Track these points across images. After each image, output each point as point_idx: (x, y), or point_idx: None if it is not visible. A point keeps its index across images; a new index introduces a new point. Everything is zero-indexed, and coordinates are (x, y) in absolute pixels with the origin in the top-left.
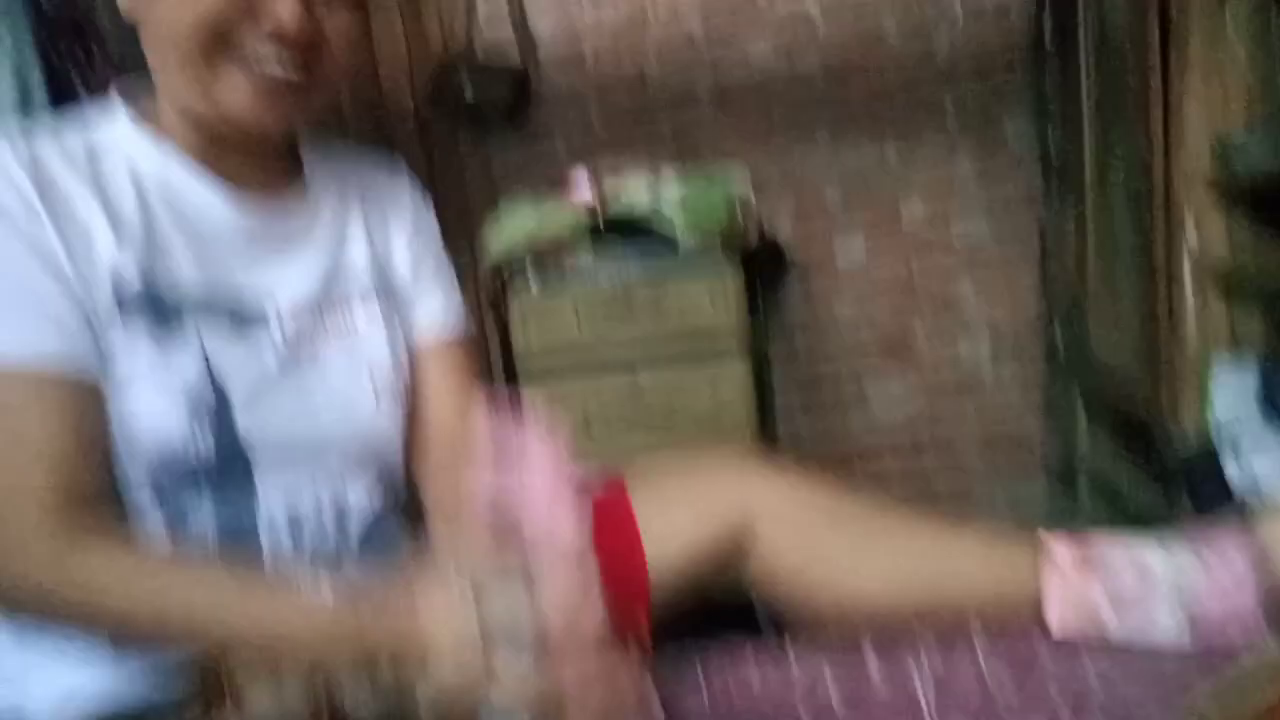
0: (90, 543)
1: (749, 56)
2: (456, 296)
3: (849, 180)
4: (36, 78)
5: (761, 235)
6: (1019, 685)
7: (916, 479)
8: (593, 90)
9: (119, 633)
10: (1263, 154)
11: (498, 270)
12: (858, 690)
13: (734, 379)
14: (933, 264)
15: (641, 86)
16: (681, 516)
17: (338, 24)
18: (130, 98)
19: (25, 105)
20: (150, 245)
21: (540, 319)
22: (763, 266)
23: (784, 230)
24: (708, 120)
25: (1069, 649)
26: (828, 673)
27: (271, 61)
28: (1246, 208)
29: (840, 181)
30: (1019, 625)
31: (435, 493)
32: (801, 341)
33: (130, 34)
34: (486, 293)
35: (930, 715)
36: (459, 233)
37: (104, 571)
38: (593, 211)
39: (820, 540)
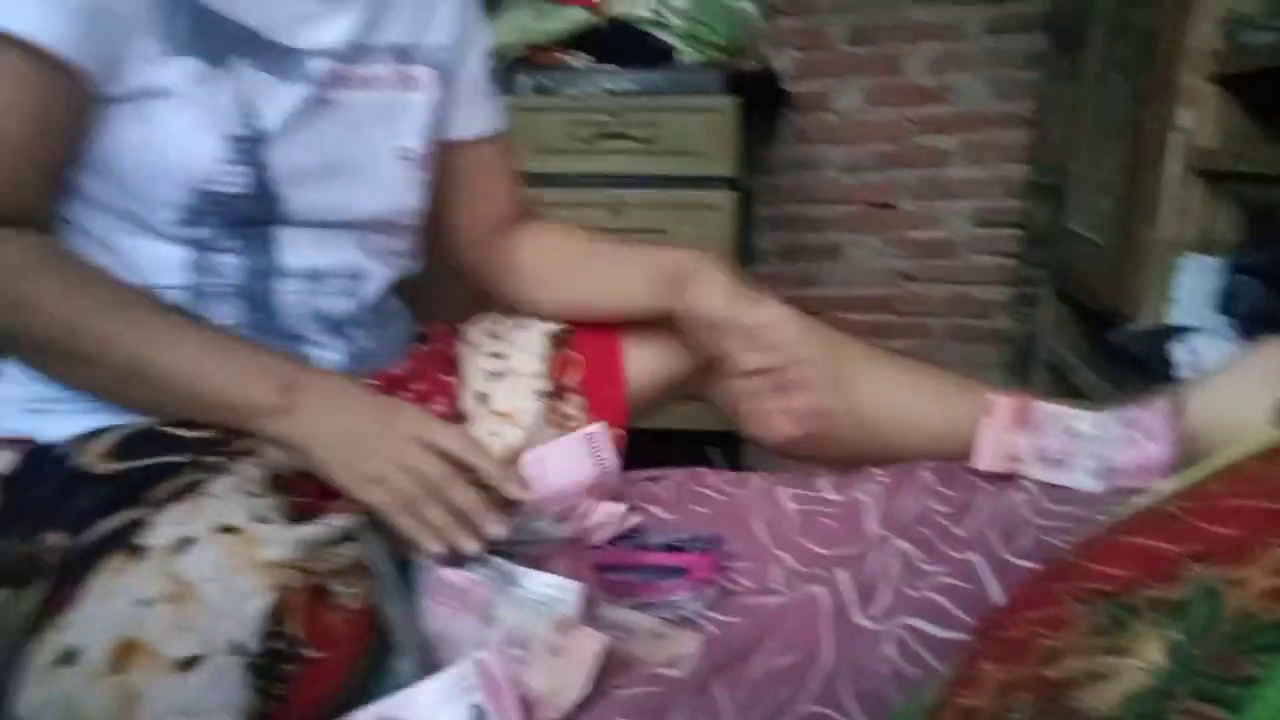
0: (13, 243)
1: None
2: (500, 94)
3: (858, 17)
4: None
5: (762, 65)
6: (956, 509)
7: (880, 334)
8: None
9: (40, 347)
10: (1273, 39)
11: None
12: (810, 505)
13: (718, 209)
14: (927, 117)
15: None
16: (664, 345)
17: None
18: None
19: None
20: None
21: (528, 125)
22: (760, 97)
23: (786, 63)
24: None
25: (1007, 483)
26: (782, 491)
27: None
28: (1247, 96)
29: (849, 18)
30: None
31: (494, 250)
32: (788, 181)
33: None
34: None
35: (874, 523)
36: None
37: (27, 276)
38: (593, 13)
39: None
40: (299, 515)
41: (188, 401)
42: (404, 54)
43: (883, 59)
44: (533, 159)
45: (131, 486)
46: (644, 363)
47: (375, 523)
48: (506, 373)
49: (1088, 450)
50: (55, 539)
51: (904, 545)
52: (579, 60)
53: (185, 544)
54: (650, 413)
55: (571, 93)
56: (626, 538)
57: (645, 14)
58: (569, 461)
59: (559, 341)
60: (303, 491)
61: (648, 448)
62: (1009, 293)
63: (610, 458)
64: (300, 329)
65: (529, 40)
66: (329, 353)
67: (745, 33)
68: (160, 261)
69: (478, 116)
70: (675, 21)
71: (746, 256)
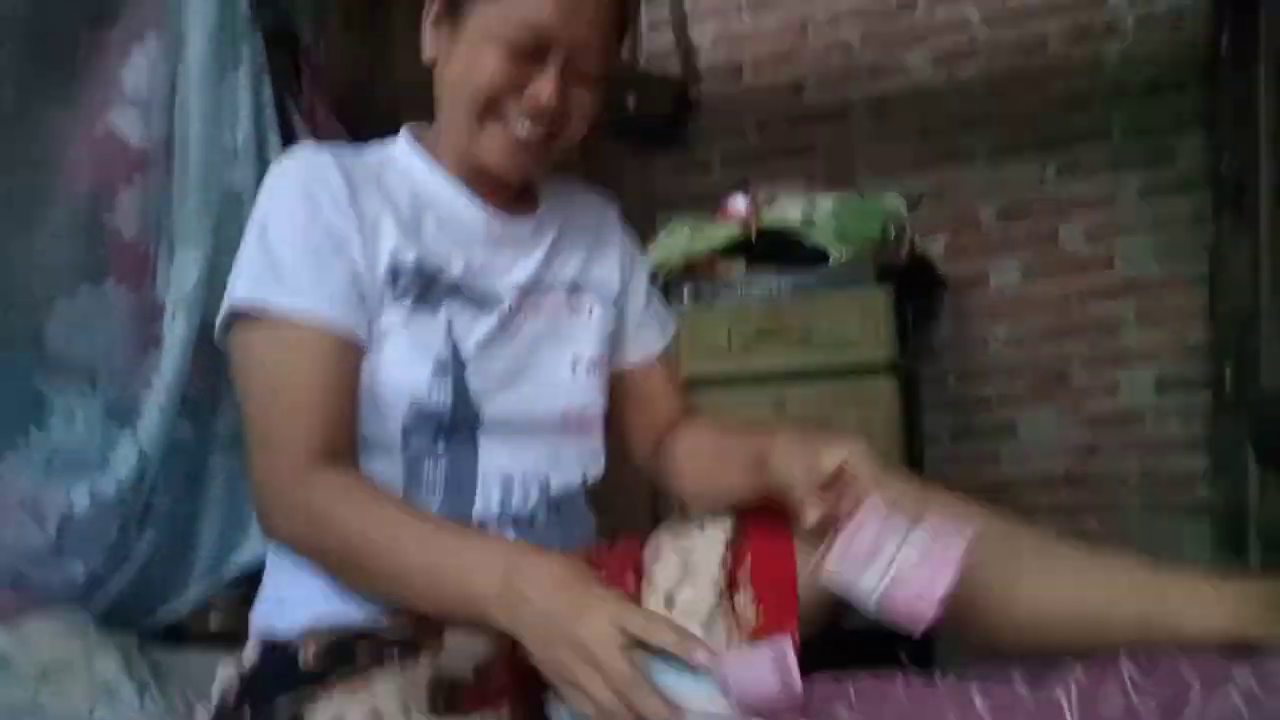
0: (332, 477)
1: (906, 66)
2: (665, 313)
3: (1006, 197)
4: (270, 116)
5: (913, 252)
6: (1164, 708)
7: (1067, 514)
8: (750, 102)
9: (339, 557)
10: None
11: (653, 281)
12: (1005, 705)
13: (881, 397)
14: (1092, 287)
15: (798, 98)
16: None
17: (581, 100)
18: (412, 132)
19: (260, 148)
20: (419, 237)
21: (691, 331)
22: (914, 284)
23: (937, 247)
24: (863, 133)
25: (1217, 675)
26: (978, 699)
27: (525, 126)
28: None
29: (997, 198)
30: (1168, 656)
31: (656, 456)
32: (952, 363)
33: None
34: None
35: None
36: None
37: (337, 501)
38: (746, 226)
39: (981, 564)
40: (449, 711)
41: (425, 597)
42: (575, 287)
43: (1037, 233)
44: (697, 361)
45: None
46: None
47: None
48: (689, 574)
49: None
50: None
51: None
52: (735, 268)
53: None
54: (831, 613)
55: (729, 298)
56: None
57: (795, 220)
58: (751, 675)
59: (735, 534)
60: (469, 694)
61: (831, 649)
62: (1207, 461)
63: (795, 676)
64: (492, 527)
65: (688, 255)
66: None
67: (893, 225)
68: (379, 475)
69: (643, 341)
70: (824, 223)
71: (916, 440)
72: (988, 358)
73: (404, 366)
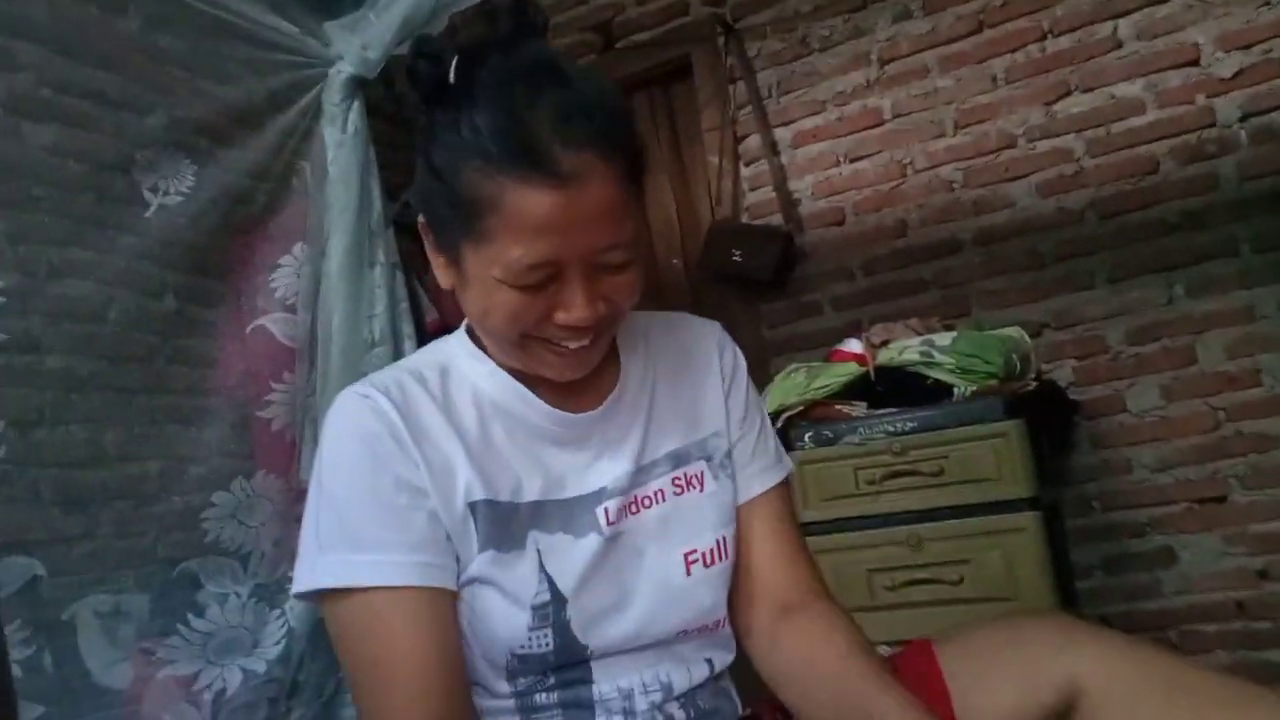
0: None
1: (1011, 197)
2: (775, 441)
3: (1134, 319)
4: (404, 308)
5: (1040, 380)
6: None
7: (1242, 645)
8: (854, 245)
9: None
10: None
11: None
12: None
13: (1021, 530)
14: (1240, 403)
15: (903, 237)
16: (999, 684)
17: (618, 284)
18: (472, 330)
19: (395, 337)
20: (489, 457)
21: (817, 475)
22: (1046, 413)
23: (1065, 374)
24: (974, 266)
25: None
26: None
27: (570, 340)
28: None
29: (1123, 320)
30: None
31: (761, 648)
32: (1096, 492)
33: None
34: None
35: None
36: None
37: None
38: (864, 366)
39: (1157, 714)
40: None
41: None
42: (679, 458)
43: (1171, 353)
44: (825, 506)
45: None
46: None
47: None
48: None
49: None
50: None
51: None
52: (856, 409)
53: None
54: None
55: (853, 440)
56: None
57: (914, 357)
58: None
59: None
60: None
61: None
62: None
63: None
64: None
65: (806, 399)
66: None
67: (1016, 355)
68: (494, 711)
69: (748, 478)
70: (944, 359)
71: (1065, 573)
72: (1133, 484)
73: (500, 619)
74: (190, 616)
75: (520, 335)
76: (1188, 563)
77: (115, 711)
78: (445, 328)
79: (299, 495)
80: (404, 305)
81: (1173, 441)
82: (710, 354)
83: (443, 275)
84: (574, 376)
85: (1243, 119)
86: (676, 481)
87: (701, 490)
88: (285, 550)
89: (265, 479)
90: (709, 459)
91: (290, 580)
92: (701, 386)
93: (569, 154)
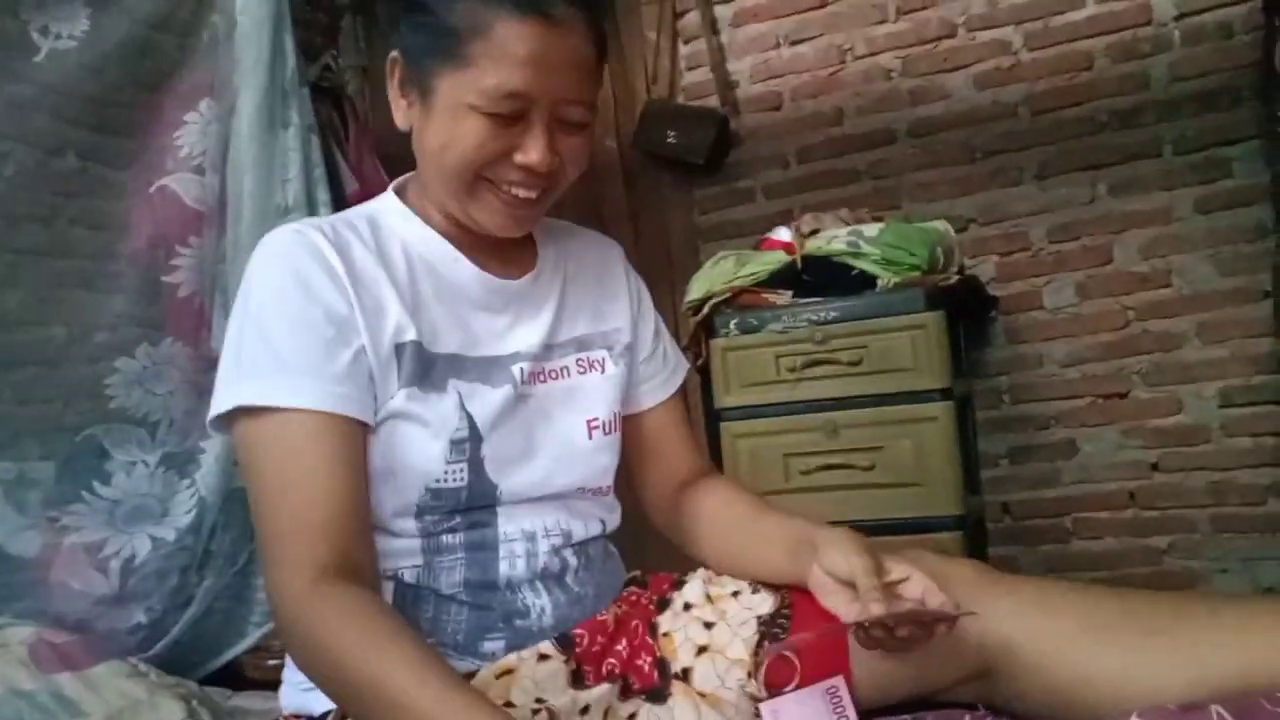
0: (340, 602)
1: (948, 89)
2: (674, 348)
3: (1057, 216)
4: (320, 173)
5: (962, 274)
6: None
7: (1133, 533)
8: (790, 131)
9: (339, 691)
10: None
11: (697, 312)
12: None
13: (934, 419)
14: (1150, 304)
15: (839, 125)
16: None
17: (573, 147)
18: (400, 191)
19: (311, 203)
20: (417, 306)
21: (739, 361)
22: (965, 307)
23: (988, 269)
24: (906, 158)
25: None
26: None
27: (520, 187)
28: None
29: (1047, 218)
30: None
31: (671, 516)
32: (1007, 385)
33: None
34: (686, 335)
35: None
36: (661, 275)
37: (344, 629)
38: (791, 255)
39: (1085, 657)
40: None
41: None
42: (584, 344)
43: (1089, 251)
44: (746, 392)
45: None
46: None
47: None
48: (711, 649)
49: None
50: None
51: None
52: (781, 297)
53: None
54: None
55: (776, 327)
56: None
57: (841, 247)
58: (805, 712)
59: (775, 622)
60: None
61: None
62: (1277, 475)
63: (852, 712)
64: (518, 583)
65: (733, 285)
66: (543, 600)
67: (942, 249)
68: (397, 551)
69: (654, 386)
70: (870, 250)
71: (972, 462)
72: (1044, 378)
73: (418, 451)
74: (96, 484)
75: (474, 175)
76: (1087, 454)
77: (23, 575)
78: (366, 200)
79: (210, 364)
80: (320, 171)
81: (1083, 338)
82: (618, 273)
83: (403, 115)
84: (512, 233)
85: (1178, 18)
86: (580, 362)
87: (602, 373)
88: (197, 421)
89: (173, 346)
90: (610, 349)
91: (203, 451)
92: (610, 294)
93: (562, 2)
